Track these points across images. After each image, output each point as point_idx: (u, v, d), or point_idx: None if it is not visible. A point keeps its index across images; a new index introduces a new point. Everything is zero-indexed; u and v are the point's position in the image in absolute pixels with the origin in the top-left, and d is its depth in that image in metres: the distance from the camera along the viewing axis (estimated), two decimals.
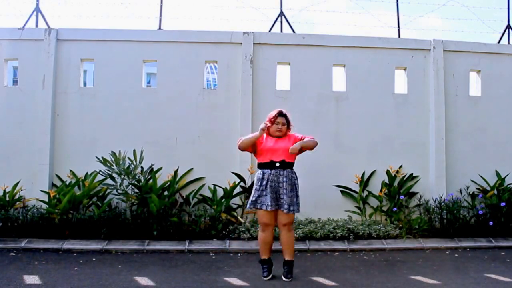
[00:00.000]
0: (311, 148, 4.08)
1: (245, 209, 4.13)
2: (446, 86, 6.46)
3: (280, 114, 4.12)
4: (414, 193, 6.31)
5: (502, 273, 4.34)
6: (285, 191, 3.97)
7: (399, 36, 6.77)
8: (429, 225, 5.83)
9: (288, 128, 4.16)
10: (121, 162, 5.65)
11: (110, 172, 5.70)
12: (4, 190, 5.73)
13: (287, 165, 4.02)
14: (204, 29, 6.63)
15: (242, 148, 4.09)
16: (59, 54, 6.21)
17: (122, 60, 6.26)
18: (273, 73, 6.39)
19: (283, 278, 4.05)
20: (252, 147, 4.10)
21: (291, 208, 3.98)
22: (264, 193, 3.98)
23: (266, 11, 27.24)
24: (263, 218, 4.04)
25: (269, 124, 4.07)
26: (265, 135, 4.12)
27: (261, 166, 4.08)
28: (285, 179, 3.98)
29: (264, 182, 3.98)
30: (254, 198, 4.03)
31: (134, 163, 5.73)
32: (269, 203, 3.94)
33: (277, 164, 3.98)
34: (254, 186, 4.08)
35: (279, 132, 4.07)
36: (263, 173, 4.02)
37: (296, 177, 4.12)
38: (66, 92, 6.21)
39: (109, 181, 5.76)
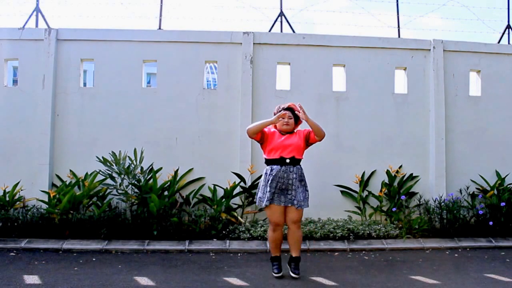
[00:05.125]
0: (320, 136, 3.99)
1: (257, 206, 4.14)
2: (446, 86, 6.46)
3: (286, 108, 4.08)
4: (414, 193, 6.31)
5: (502, 273, 4.34)
6: (294, 187, 3.96)
7: (399, 36, 6.77)
8: (429, 225, 5.83)
9: (297, 123, 4.12)
10: (121, 162, 5.66)
11: (110, 172, 5.70)
12: (4, 190, 5.73)
13: (297, 162, 4.01)
14: (204, 29, 6.64)
15: (251, 132, 3.93)
16: (59, 54, 6.21)
17: (122, 60, 6.26)
18: (273, 73, 6.38)
19: (291, 274, 4.05)
20: (260, 136, 4.02)
21: (301, 203, 3.97)
22: (273, 189, 3.95)
23: (266, 11, 27.31)
24: (274, 216, 4.00)
25: (281, 114, 4.01)
26: (274, 129, 4.10)
27: (269, 162, 4.03)
28: (295, 175, 3.97)
29: (272, 178, 3.94)
30: (262, 194, 4.02)
31: (134, 163, 5.73)
32: (280, 199, 3.96)
33: (287, 161, 3.95)
34: (262, 182, 4.06)
35: (286, 126, 4.03)
36: (272, 169, 3.98)
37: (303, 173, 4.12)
38: (66, 92, 6.20)
39: (109, 181, 5.76)
